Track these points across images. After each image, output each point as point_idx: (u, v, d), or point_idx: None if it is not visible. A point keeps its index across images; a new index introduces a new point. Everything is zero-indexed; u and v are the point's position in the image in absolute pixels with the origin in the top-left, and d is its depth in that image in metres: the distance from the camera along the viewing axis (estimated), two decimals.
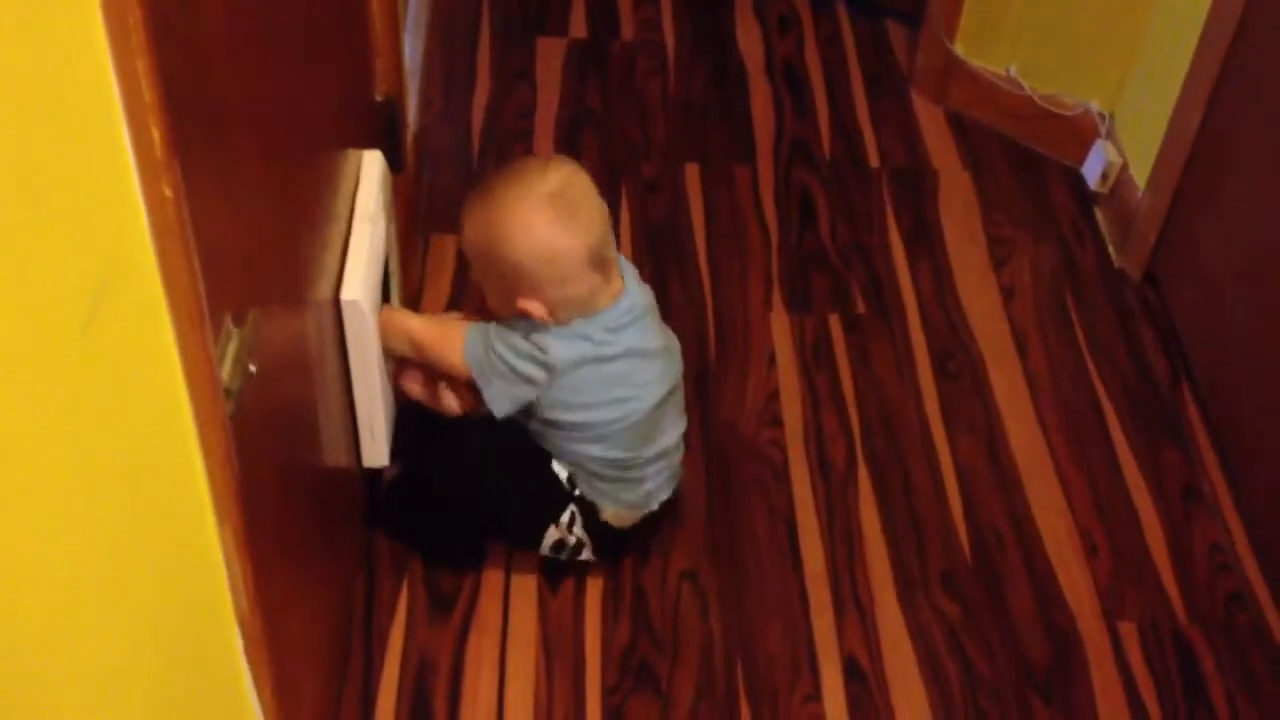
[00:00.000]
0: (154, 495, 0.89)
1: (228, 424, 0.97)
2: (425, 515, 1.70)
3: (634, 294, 1.56)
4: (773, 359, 2.01)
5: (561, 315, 1.50)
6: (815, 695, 1.62)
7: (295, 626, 1.30)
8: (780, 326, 2.06)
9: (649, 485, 1.64)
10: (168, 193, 0.82)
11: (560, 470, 1.62)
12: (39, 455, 0.71)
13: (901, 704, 1.62)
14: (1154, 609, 1.74)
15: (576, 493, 1.62)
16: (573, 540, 1.64)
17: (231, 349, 1.00)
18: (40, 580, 0.73)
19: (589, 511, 1.63)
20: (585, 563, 1.68)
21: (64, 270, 0.72)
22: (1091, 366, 2.03)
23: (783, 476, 1.85)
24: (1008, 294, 2.14)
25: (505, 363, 1.52)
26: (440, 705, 1.58)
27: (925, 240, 2.22)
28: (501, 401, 1.54)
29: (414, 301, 1.98)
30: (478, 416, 1.60)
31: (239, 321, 1.02)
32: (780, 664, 1.65)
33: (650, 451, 1.61)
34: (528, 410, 1.56)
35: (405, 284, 1.85)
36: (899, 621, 1.70)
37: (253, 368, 1.03)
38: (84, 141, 0.74)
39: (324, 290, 1.40)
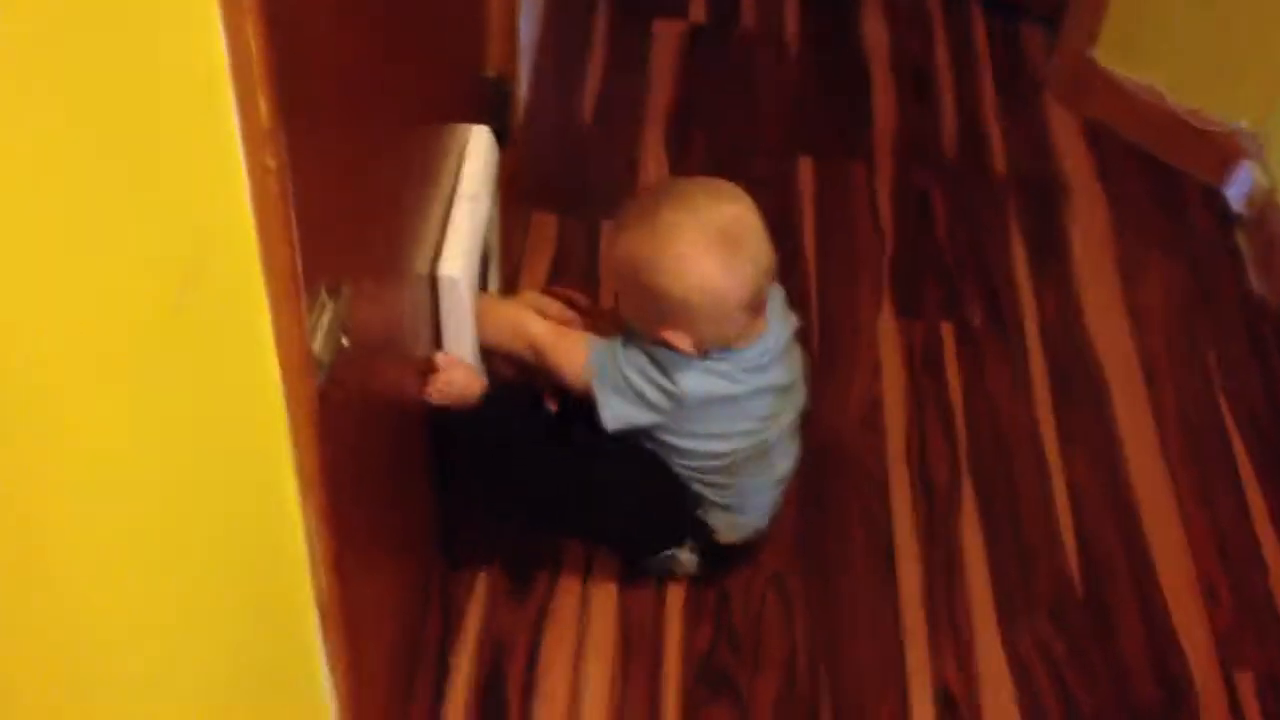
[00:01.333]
0: (238, 467, 0.88)
1: (317, 396, 0.94)
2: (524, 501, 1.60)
3: (776, 330, 1.46)
4: (878, 366, 1.93)
5: (702, 348, 1.41)
6: None
7: (371, 606, 1.28)
8: (888, 332, 1.98)
9: (763, 508, 1.58)
10: (271, 163, 0.79)
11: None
12: (123, 420, 0.69)
13: None
14: (1275, 659, 1.63)
15: (697, 513, 1.56)
16: (684, 558, 1.60)
17: (325, 320, 0.96)
18: (113, 550, 0.71)
19: (700, 531, 1.57)
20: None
21: (162, 238, 0.71)
22: (1222, 398, 1.92)
23: (881, 489, 1.78)
24: (1137, 316, 2.03)
25: (630, 384, 1.44)
26: (514, 694, 1.54)
27: (1051, 253, 2.12)
28: (616, 420, 1.46)
29: (512, 280, 1.94)
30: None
31: (334, 293, 0.99)
32: (867, 684, 1.58)
33: (768, 478, 1.55)
34: (639, 431, 1.49)
35: (504, 262, 1.81)
36: (998, 651, 1.61)
37: (345, 341, 1.00)
38: (189, 108, 0.72)
39: (422, 265, 1.37)
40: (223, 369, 0.82)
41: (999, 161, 2.28)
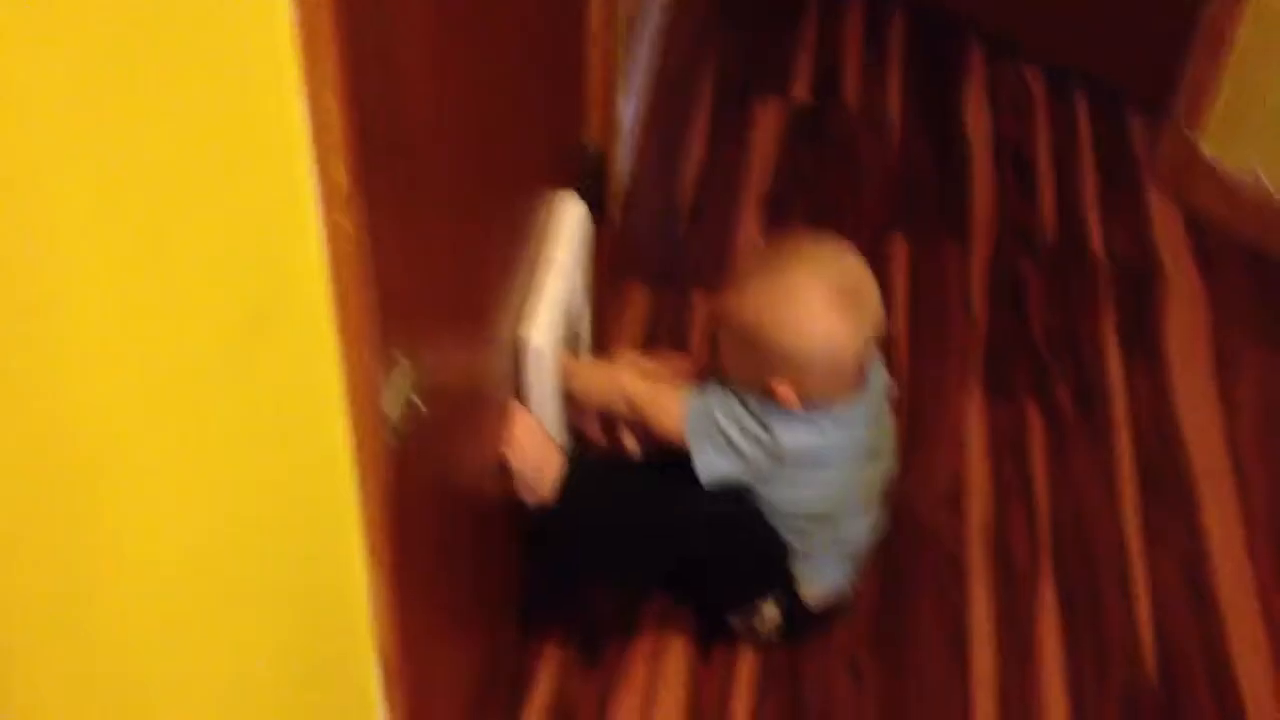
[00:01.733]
0: (303, 522, 0.90)
1: (388, 457, 0.97)
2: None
3: (875, 389, 1.49)
4: (963, 445, 1.93)
5: (806, 402, 1.43)
6: None
7: (438, 668, 1.29)
8: (975, 412, 1.98)
9: (846, 564, 1.59)
10: (347, 225, 0.82)
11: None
12: (188, 464, 0.72)
13: None
14: None
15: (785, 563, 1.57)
16: (767, 613, 1.61)
17: (401, 383, 1.00)
18: (178, 599, 0.74)
19: (789, 589, 1.58)
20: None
21: (232, 284, 0.73)
22: None
23: (959, 570, 1.77)
24: (1231, 411, 2.00)
25: (725, 436, 1.46)
26: None
27: (1144, 342, 2.10)
28: (711, 472, 1.47)
29: (602, 353, 1.98)
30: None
31: (410, 355, 1.02)
32: None
33: (854, 532, 1.56)
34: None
35: (596, 333, 1.85)
36: None
37: (422, 405, 1.03)
38: (267, 167, 0.75)
39: (506, 331, 1.41)
40: (291, 419, 0.84)
41: (1097, 248, 2.27)
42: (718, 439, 1.46)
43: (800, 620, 1.62)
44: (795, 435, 1.44)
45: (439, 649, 1.31)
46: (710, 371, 1.55)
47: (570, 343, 1.61)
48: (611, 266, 2.04)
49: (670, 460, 1.52)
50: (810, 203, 2.31)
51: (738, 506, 1.52)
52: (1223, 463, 1.92)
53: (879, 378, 1.51)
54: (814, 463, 1.47)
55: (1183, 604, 1.74)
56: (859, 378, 1.45)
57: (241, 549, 0.80)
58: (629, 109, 2.15)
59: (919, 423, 1.95)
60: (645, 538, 1.56)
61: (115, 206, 0.60)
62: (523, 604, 1.68)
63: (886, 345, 2.01)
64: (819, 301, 1.38)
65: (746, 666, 1.65)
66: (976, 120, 2.52)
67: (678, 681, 1.63)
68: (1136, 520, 1.84)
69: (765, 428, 1.44)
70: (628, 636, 1.67)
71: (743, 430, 1.45)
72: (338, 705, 1.05)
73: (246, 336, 0.75)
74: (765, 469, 1.46)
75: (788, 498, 1.49)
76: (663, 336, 2.06)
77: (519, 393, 1.49)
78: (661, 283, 2.14)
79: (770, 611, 1.61)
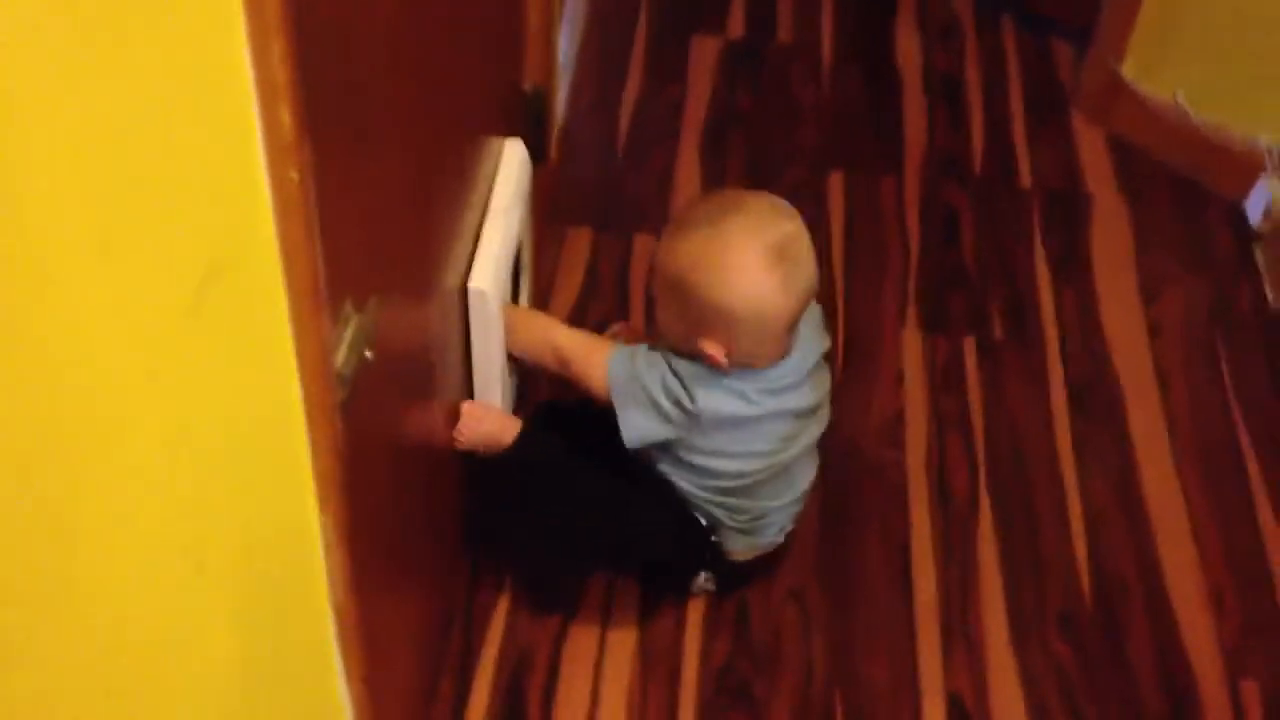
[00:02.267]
0: (255, 476, 0.90)
1: (338, 409, 0.97)
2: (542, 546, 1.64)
3: (805, 351, 1.47)
4: (901, 378, 1.96)
5: (734, 363, 1.42)
6: None
7: (392, 615, 1.31)
8: (912, 345, 2.01)
9: (777, 527, 1.61)
10: (294, 175, 0.81)
11: (701, 517, 1.57)
12: (140, 425, 0.72)
13: None
14: None
15: (713, 538, 1.58)
16: (701, 580, 1.63)
17: (349, 334, 1.00)
18: (133, 555, 0.74)
19: (716, 554, 1.60)
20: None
21: (177, 245, 0.72)
22: (1237, 413, 1.94)
23: (901, 501, 1.81)
24: (1155, 330, 2.05)
25: (648, 394, 1.45)
26: (534, 705, 1.58)
27: (1073, 267, 2.15)
28: (634, 433, 1.47)
29: (544, 295, 1.99)
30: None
31: (359, 306, 1.02)
32: (882, 696, 1.61)
33: (785, 499, 1.57)
34: (659, 447, 1.51)
35: (537, 277, 1.85)
36: (1010, 662, 1.64)
37: (370, 354, 1.03)
38: (211, 117, 0.74)
39: (452, 278, 1.41)
40: (242, 378, 0.84)
41: (1026, 176, 2.30)
42: (640, 397, 1.46)
43: (735, 577, 1.64)
44: (716, 399, 1.43)
45: (392, 598, 1.32)
46: (647, 327, 1.55)
47: (513, 291, 1.61)
48: (552, 208, 2.04)
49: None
50: (747, 139, 2.32)
51: (667, 493, 1.53)
52: (1149, 380, 1.98)
53: (815, 335, 1.50)
54: (737, 427, 1.46)
55: (1115, 522, 1.80)
56: (787, 341, 1.44)
57: (194, 504, 0.81)
58: (564, 47, 2.13)
59: (857, 357, 1.99)
60: (577, 529, 1.58)
61: (59, 162, 0.59)
62: (474, 552, 1.69)
63: (823, 281, 2.05)
64: (752, 259, 1.36)
65: (696, 606, 1.68)
66: (907, 52, 2.54)
67: (629, 623, 1.66)
68: (1069, 443, 1.89)
69: (686, 388, 1.43)
70: (579, 582, 1.69)
71: (664, 388, 1.44)
72: (294, 655, 1.06)
73: (198, 292, 0.75)
74: (686, 430, 1.46)
75: (717, 465, 1.49)
76: (605, 282, 2.07)
77: (465, 340, 1.50)
78: (602, 225, 2.15)
79: (703, 578, 1.63)
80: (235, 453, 0.85)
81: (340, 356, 0.98)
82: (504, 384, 1.59)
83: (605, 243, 2.12)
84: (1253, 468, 1.87)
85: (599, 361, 1.50)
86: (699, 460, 1.49)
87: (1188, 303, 2.10)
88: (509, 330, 1.55)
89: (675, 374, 1.45)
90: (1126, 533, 1.79)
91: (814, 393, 1.51)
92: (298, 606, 1.03)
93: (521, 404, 1.71)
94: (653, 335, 1.52)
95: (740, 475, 1.51)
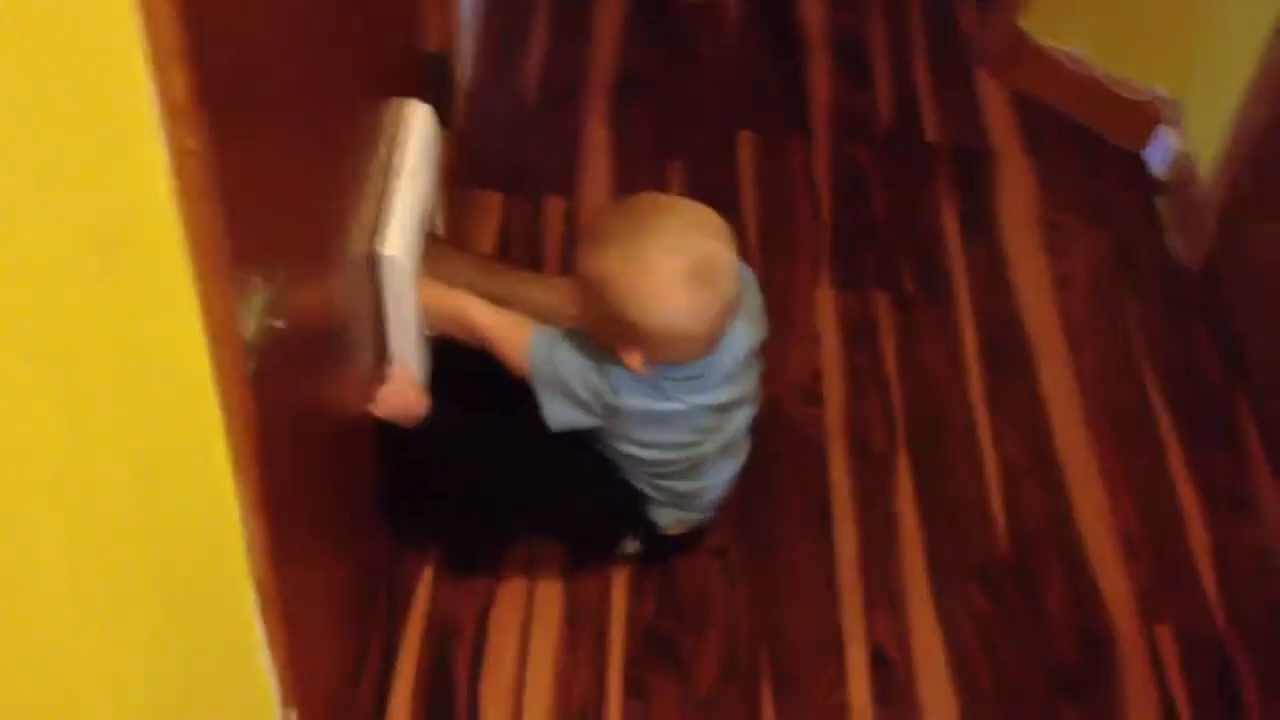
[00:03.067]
0: (168, 452, 0.88)
1: (248, 380, 0.95)
2: (457, 509, 1.64)
3: (735, 347, 1.45)
4: (816, 336, 1.97)
5: (649, 369, 1.42)
6: (840, 683, 1.59)
7: (313, 588, 1.29)
8: (825, 303, 2.02)
9: (708, 502, 1.60)
10: (192, 143, 0.79)
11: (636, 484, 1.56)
12: (44, 406, 0.70)
13: (928, 697, 1.59)
14: (1193, 614, 1.69)
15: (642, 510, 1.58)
16: (629, 548, 1.63)
17: (257, 304, 0.97)
18: (44, 534, 0.72)
19: (645, 525, 1.59)
20: None
21: (75, 218, 0.70)
22: (1143, 362, 1.98)
23: (820, 458, 1.82)
24: (1062, 282, 2.08)
25: (569, 387, 1.45)
26: (461, 671, 1.57)
27: (980, 222, 2.17)
28: (557, 419, 1.47)
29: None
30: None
31: (266, 276, 1.00)
32: (806, 649, 1.62)
33: (712, 481, 1.57)
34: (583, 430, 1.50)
35: (449, 241, 1.82)
36: (930, 613, 1.66)
37: (279, 323, 1.01)
38: (103, 86, 0.71)
39: (361, 244, 1.38)
40: (149, 351, 0.82)
41: (931, 133, 2.32)
42: (564, 387, 1.45)
43: (661, 546, 1.64)
44: (637, 396, 1.43)
45: (313, 569, 1.30)
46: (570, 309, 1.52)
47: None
48: (460, 172, 2.01)
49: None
50: (655, 100, 2.31)
51: (587, 463, 1.53)
52: (1056, 333, 2.01)
53: (748, 332, 1.48)
54: (657, 422, 1.46)
55: (1028, 471, 1.83)
56: (710, 346, 1.43)
57: (107, 481, 0.78)
58: (466, 8, 2.10)
59: (773, 316, 1.96)
60: (498, 499, 1.57)
61: None
62: (395, 521, 1.67)
63: (739, 250, 2.04)
64: (670, 285, 1.34)
65: (621, 566, 1.68)
66: (812, 10, 2.54)
67: (555, 588, 1.65)
68: (983, 396, 1.91)
69: (608, 382, 1.43)
70: (502, 548, 1.68)
71: (585, 383, 1.44)
72: (214, 630, 1.04)
73: (98, 267, 0.72)
74: (607, 421, 1.46)
75: (639, 453, 1.50)
76: (517, 245, 2.04)
77: (377, 306, 1.47)
78: (512, 188, 2.12)
79: (631, 546, 1.63)
80: (145, 426, 0.83)
81: (250, 326, 0.96)
82: (420, 349, 1.56)
83: (516, 206, 2.10)
84: (1160, 414, 1.91)
85: (520, 344, 1.48)
86: (623, 447, 1.50)
87: (1092, 254, 2.14)
88: (428, 307, 1.52)
89: (597, 368, 1.44)
90: (1040, 483, 1.82)
91: (738, 388, 1.50)
92: (217, 580, 1.01)
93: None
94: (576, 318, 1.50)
95: (661, 463, 1.51)
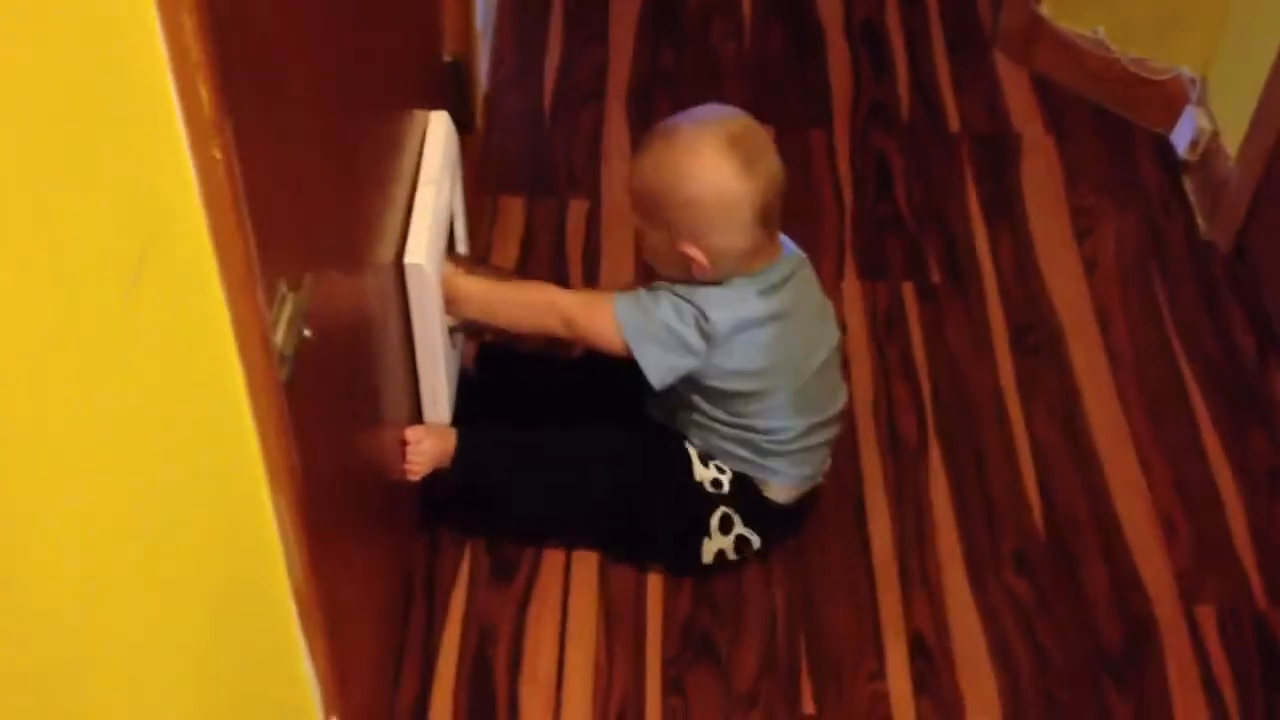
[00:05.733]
0: (204, 464, 0.88)
1: (282, 390, 0.95)
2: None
3: (791, 255, 1.53)
4: (844, 327, 1.97)
5: (721, 268, 1.45)
6: (880, 673, 1.59)
7: (352, 594, 1.30)
8: (852, 294, 2.01)
9: (817, 456, 1.60)
10: (217, 154, 0.80)
11: (704, 475, 1.57)
12: (83, 422, 0.70)
13: (969, 685, 1.58)
14: (1234, 593, 1.68)
15: (725, 491, 1.57)
16: (732, 543, 1.61)
17: (286, 313, 0.98)
18: (85, 552, 0.72)
19: (749, 498, 1.58)
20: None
21: (107, 232, 0.71)
22: (1176, 342, 1.96)
23: (851, 448, 1.81)
24: (1090, 265, 2.07)
25: (664, 324, 1.47)
26: (500, 672, 1.57)
27: (1005, 208, 2.16)
28: (659, 370, 1.48)
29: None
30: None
31: (294, 285, 1.00)
32: (844, 640, 1.62)
33: (817, 419, 1.57)
34: (691, 392, 1.52)
35: (472, 247, 1.83)
36: (968, 600, 1.66)
37: (308, 332, 1.02)
38: (129, 100, 0.72)
39: (386, 253, 1.39)
40: (183, 363, 0.83)
41: (953, 120, 2.31)
42: (657, 332, 1.48)
43: (778, 523, 1.63)
44: (726, 310, 1.46)
45: (352, 576, 1.31)
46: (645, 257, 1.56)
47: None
48: (482, 178, 2.02)
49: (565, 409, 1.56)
50: (674, 97, 2.30)
51: (633, 470, 1.56)
52: (1087, 315, 2.00)
53: (792, 246, 1.55)
54: (753, 334, 1.48)
55: (1063, 455, 1.82)
56: (768, 235, 1.47)
57: (145, 496, 0.79)
58: (483, 15, 2.10)
59: None
60: (555, 509, 1.62)
61: None
62: (431, 521, 1.68)
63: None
64: (708, 150, 1.42)
65: (657, 566, 1.68)
66: (828, 3, 2.53)
67: (592, 586, 1.65)
68: (1013, 381, 1.90)
69: (696, 307, 1.46)
70: (540, 547, 1.68)
71: (679, 314, 1.47)
72: (256, 639, 1.05)
73: (131, 278, 0.73)
74: (707, 354, 1.47)
75: (751, 385, 1.50)
76: (541, 248, 2.05)
77: (404, 314, 1.48)
78: (535, 191, 2.13)
79: (732, 543, 1.61)
80: (180, 438, 0.83)
81: (279, 335, 0.96)
82: (447, 353, 1.57)
83: (539, 209, 2.10)
84: (1194, 394, 1.90)
85: (605, 311, 1.50)
86: (726, 384, 1.51)
87: (1120, 237, 2.12)
88: (502, 302, 1.55)
89: (683, 298, 1.47)
90: (1075, 467, 1.80)
91: (813, 292, 1.57)
92: (257, 589, 1.02)
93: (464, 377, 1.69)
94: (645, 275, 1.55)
95: (768, 391, 1.51)
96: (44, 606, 0.68)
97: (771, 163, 1.46)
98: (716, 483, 1.58)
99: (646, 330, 1.48)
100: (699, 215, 1.42)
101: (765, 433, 1.55)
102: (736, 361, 1.49)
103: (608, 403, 1.63)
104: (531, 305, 1.56)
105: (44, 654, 0.69)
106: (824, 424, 1.59)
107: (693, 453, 1.58)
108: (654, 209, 1.46)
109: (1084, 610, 1.65)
